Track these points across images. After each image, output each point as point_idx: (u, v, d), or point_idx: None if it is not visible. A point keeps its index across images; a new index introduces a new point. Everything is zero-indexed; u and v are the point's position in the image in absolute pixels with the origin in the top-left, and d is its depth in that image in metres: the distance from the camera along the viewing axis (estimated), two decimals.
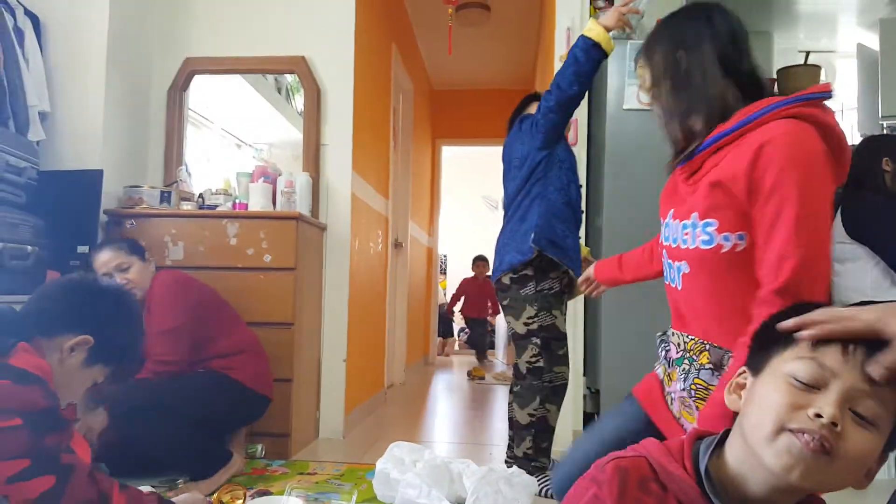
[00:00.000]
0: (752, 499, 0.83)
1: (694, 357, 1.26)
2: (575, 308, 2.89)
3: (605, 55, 2.15)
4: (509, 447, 2.36)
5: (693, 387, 1.25)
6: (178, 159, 3.04)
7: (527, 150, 2.32)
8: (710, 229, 1.21)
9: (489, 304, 6.92)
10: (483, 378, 5.49)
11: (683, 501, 0.84)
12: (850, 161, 1.27)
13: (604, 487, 0.85)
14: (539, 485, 2.19)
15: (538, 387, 2.27)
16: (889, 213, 2.56)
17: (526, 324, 2.29)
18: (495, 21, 4.77)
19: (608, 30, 2.12)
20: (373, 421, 3.53)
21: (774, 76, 4.33)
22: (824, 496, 0.89)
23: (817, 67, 4.25)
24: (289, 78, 3.34)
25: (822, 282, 1.13)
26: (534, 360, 2.28)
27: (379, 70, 3.89)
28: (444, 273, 9.05)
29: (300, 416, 2.77)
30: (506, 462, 2.35)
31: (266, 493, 2.06)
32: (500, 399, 4.49)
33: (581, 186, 2.45)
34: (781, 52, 4.96)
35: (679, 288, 1.30)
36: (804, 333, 0.82)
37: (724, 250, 1.19)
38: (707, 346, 1.24)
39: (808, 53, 4.26)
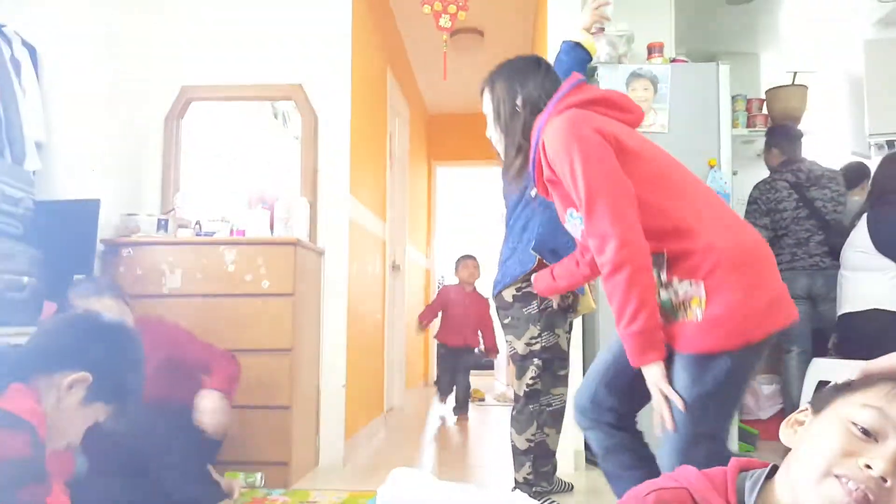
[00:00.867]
0: None
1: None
2: (573, 328, 2.88)
3: (588, 55, 2.21)
4: (516, 474, 2.33)
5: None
6: (175, 186, 3.05)
7: None
8: (577, 214, 1.49)
9: (477, 327, 4.93)
10: (483, 400, 5.46)
11: None
12: (630, 105, 1.61)
13: None
14: None
15: (536, 411, 2.25)
16: None
17: (528, 344, 2.25)
18: (489, 45, 4.82)
19: (587, 29, 2.20)
20: (373, 446, 3.50)
21: (763, 97, 4.38)
22: None
23: (804, 87, 4.30)
24: (285, 103, 3.36)
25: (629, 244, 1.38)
26: (532, 382, 2.24)
27: (375, 95, 3.92)
28: None
29: (299, 444, 2.74)
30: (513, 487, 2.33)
31: None
32: (502, 421, 4.46)
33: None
34: (768, 72, 5.03)
35: None
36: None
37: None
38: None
39: (795, 74, 4.31)
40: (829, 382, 0.93)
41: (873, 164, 4.58)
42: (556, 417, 2.29)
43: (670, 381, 1.38)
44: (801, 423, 0.86)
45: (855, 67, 4.46)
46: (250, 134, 3.38)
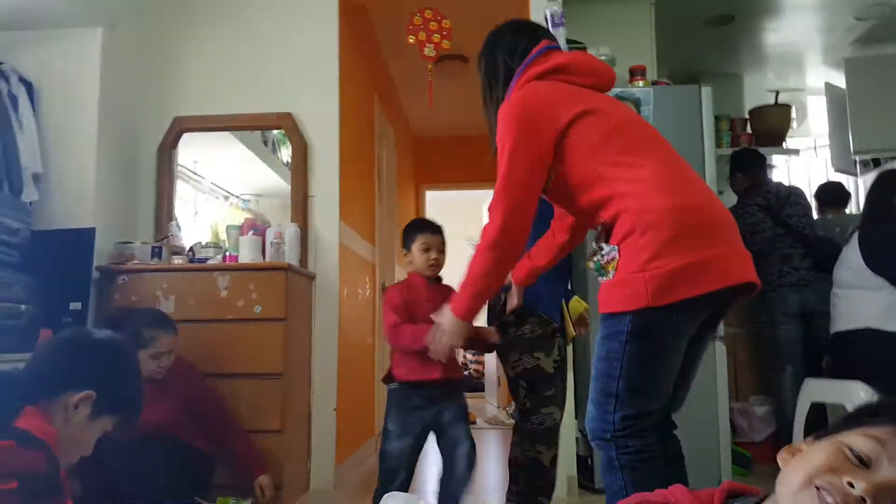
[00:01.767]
0: None
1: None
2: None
3: None
4: (509, 489, 2.36)
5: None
6: (168, 215, 3.10)
7: None
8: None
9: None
10: (474, 423, 5.47)
11: None
12: (596, 68, 1.65)
13: None
14: None
15: (527, 429, 2.30)
16: None
17: (513, 367, 2.32)
18: (473, 70, 4.89)
19: None
20: (364, 470, 3.52)
21: (747, 116, 4.48)
22: None
23: (787, 106, 4.41)
24: (275, 131, 3.43)
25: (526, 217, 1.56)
26: (523, 402, 2.32)
27: (363, 122, 3.99)
28: None
29: (291, 469, 2.76)
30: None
31: None
32: (493, 444, 4.48)
33: None
34: (752, 92, 5.13)
35: None
36: None
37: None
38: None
39: (777, 93, 4.41)
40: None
41: (860, 181, 4.67)
42: (548, 433, 2.32)
43: None
44: (800, 451, 0.83)
45: (836, 85, 4.56)
46: (242, 162, 3.45)
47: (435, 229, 2.40)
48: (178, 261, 2.82)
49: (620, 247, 1.46)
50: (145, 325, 2.31)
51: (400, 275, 5.56)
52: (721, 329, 2.93)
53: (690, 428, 1.84)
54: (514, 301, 2.17)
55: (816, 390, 2.98)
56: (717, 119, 4.03)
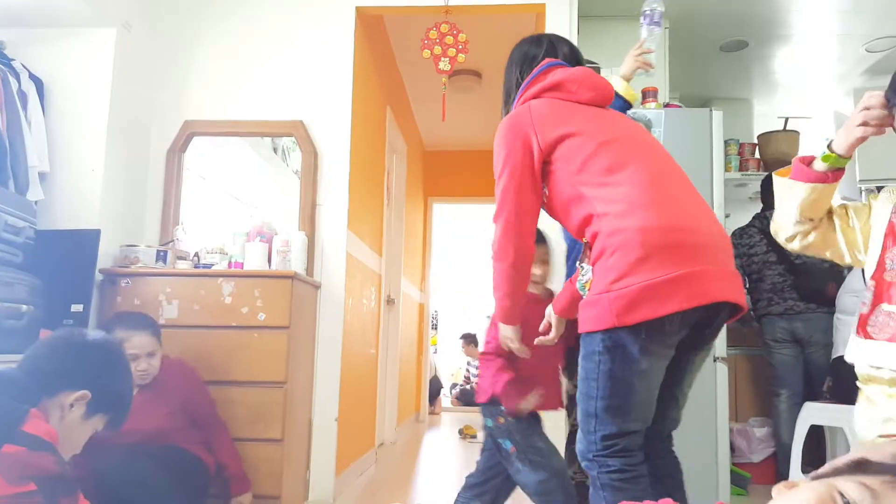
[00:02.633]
0: None
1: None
2: None
3: (628, 104, 2.20)
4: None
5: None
6: (175, 219, 3.08)
7: None
8: None
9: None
10: (475, 437, 5.44)
11: None
12: (593, 83, 1.68)
13: None
14: None
15: (573, 449, 2.18)
16: None
17: (575, 385, 2.21)
18: (486, 86, 4.92)
19: (627, 79, 2.19)
20: (363, 482, 3.48)
21: (755, 141, 4.48)
22: None
23: (796, 133, 4.40)
24: (285, 138, 3.42)
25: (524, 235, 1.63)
26: (574, 422, 2.18)
27: (374, 132, 3.98)
28: (436, 328, 9.05)
29: (290, 478, 2.73)
30: None
31: None
32: None
33: None
34: (761, 118, 5.14)
35: None
36: None
37: None
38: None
39: (787, 119, 4.41)
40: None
41: None
42: None
43: None
44: (796, 486, 0.81)
45: (844, 114, 4.57)
46: (251, 168, 3.44)
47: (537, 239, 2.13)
48: (182, 265, 2.80)
49: (594, 268, 1.50)
50: (118, 326, 2.27)
51: (406, 287, 5.54)
52: (724, 350, 2.93)
53: (690, 447, 1.85)
54: (551, 334, 1.90)
55: (816, 414, 3.04)
56: (726, 143, 4.06)
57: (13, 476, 1.20)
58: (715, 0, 3.77)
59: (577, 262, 1.61)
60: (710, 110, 3.18)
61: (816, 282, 3.39)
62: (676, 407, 1.64)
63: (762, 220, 3.63)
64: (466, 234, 8.72)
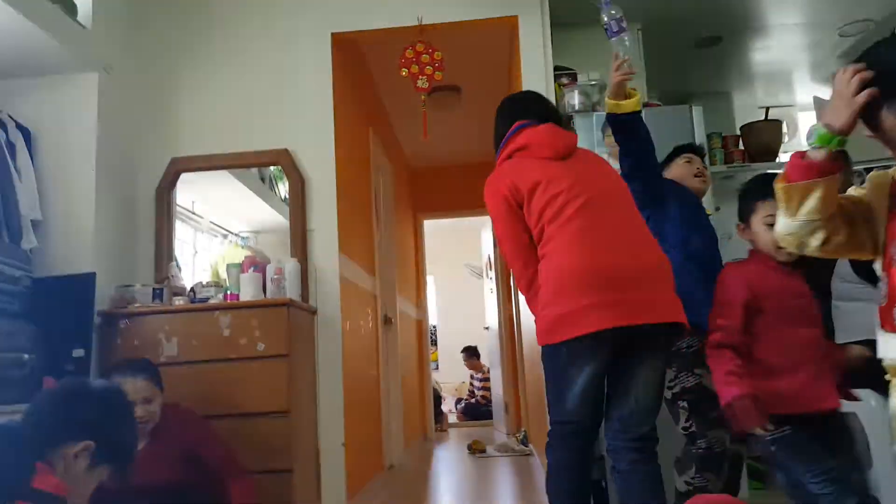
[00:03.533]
0: None
1: None
2: None
3: (628, 115, 2.24)
4: None
5: None
6: (168, 256, 3.10)
7: None
8: None
9: None
10: (484, 451, 5.42)
11: None
12: (548, 141, 2.00)
13: None
14: None
15: (695, 455, 2.17)
16: None
17: (669, 387, 2.19)
18: (466, 101, 4.96)
19: (617, 97, 2.22)
20: None
21: (738, 132, 4.52)
22: None
23: (778, 122, 4.44)
24: (272, 167, 3.44)
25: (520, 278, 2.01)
26: (687, 426, 2.19)
27: (358, 155, 4.01)
28: (435, 344, 9.03)
29: None
30: None
31: None
32: (505, 473, 4.43)
33: (709, 235, 2.42)
34: (741, 109, 5.18)
35: None
36: None
37: None
38: None
39: (767, 109, 4.45)
40: None
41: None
42: (715, 462, 2.16)
43: None
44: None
45: (824, 99, 4.62)
46: (240, 199, 3.46)
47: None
48: (179, 302, 2.81)
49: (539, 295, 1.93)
50: (113, 372, 2.23)
51: (403, 305, 5.55)
52: None
53: None
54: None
55: None
56: (710, 137, 4.08)
57: None
58: None
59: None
60: (690, 107, 3.21)
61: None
62: (639, 410, 1.85)
63: None
64: (458, 247, 8.74)
